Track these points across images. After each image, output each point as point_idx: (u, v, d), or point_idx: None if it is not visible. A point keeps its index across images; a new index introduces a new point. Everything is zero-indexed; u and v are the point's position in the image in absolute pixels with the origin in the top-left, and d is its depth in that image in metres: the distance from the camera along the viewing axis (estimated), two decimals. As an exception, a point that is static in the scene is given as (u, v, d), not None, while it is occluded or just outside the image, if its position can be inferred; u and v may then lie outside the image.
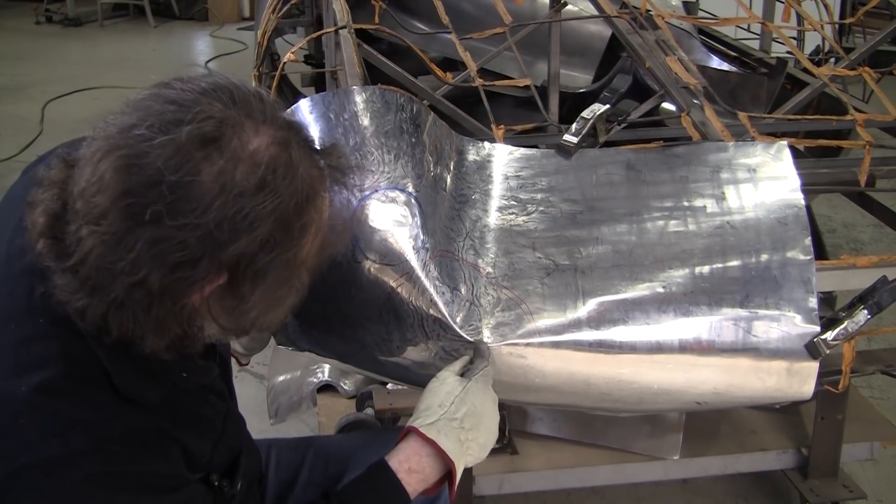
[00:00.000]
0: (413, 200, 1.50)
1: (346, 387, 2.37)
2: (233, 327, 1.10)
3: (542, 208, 1.64)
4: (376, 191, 1.50)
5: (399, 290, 1.46)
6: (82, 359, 1.08)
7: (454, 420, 1.33)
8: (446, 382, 1.39)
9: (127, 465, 1.07)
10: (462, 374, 1.41)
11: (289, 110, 1.61)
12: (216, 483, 1.23)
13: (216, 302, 1.06)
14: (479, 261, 1.54)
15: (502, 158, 1.71)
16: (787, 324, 1.53)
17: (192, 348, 1.11)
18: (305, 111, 1.60)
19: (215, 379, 1.28)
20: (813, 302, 1.54)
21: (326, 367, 2.40)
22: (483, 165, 1.70)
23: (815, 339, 1.52)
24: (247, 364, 1.71)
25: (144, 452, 1.09)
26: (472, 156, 1.70)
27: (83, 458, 1.04)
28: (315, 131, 1.57)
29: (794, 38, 2.99)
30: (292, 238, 1.05)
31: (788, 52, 2.85)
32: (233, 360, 1.68)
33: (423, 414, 1.35)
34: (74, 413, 1.06)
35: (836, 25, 3.69)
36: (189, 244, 0.99)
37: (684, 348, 1.52)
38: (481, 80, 2.12)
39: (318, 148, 1.14)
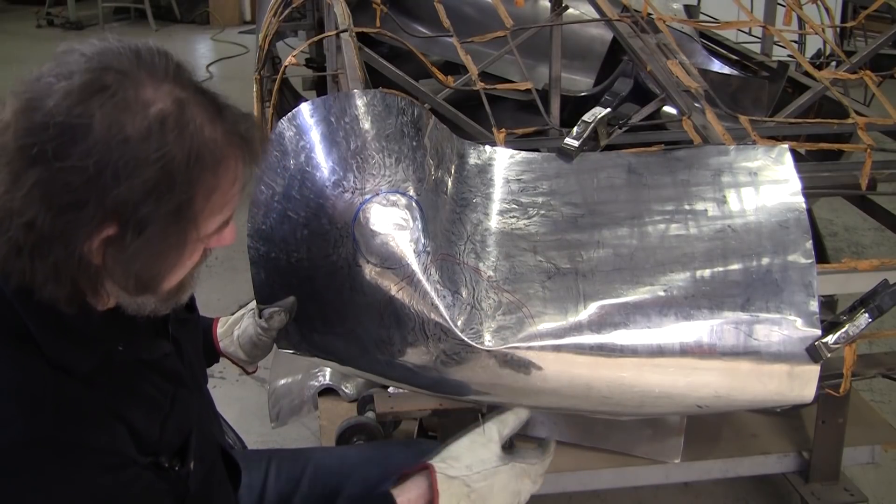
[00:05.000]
0: (414, 204, 1.50)
1: (347, 390, 2.37)
2: (123, 283, 1.10)
3: (543, 212, 1.64)
4: (377, 194, 1.50)
5: (400, 293, 1.46)
6: (10, 324, 1.09)
7: (468, 487, 1.34)
8: (489, 448, 1.40)
9: (59, 435, 1.06)
10: (508, 446, 1.42)
11: (290, 114, 1.61)
12: (166, 464, 1.21)
13: (108, 252, 1.07)
14: (480, 264, 1.54)
15: (503, 162, 1.72)
16: (788, 327, 1.53)
17: (94, 305, 1.13)
18: (307, 115, 1.60)
19: (166, 358, 1.26)
20: (814, 305, 1.54)
21: (328, 370, 2.40)
22: (484, 169, 1.70)
23: (816, 343, 1.52)
24: (254, 371, 1.70)
25: (79, 424, 1.08)
26: (473, 159, 1.70)
27: (10, 425, 1.04)
28: (316, 135, 1.58)
29: (795, 42, 2.98)
30: (176, 191, 1.05)
31: (790, 56, 2.85)
32: (237, 368, 1.69)
33: (451, 462, 1.36)
34: (2, 377, 1.06)
35: (838, 29, 3.69)
36: (74, 186, 1.01)
37: (685, 352, 1.52)
38: (482, 84, 2.12)
39: (225, 113, 1.13)
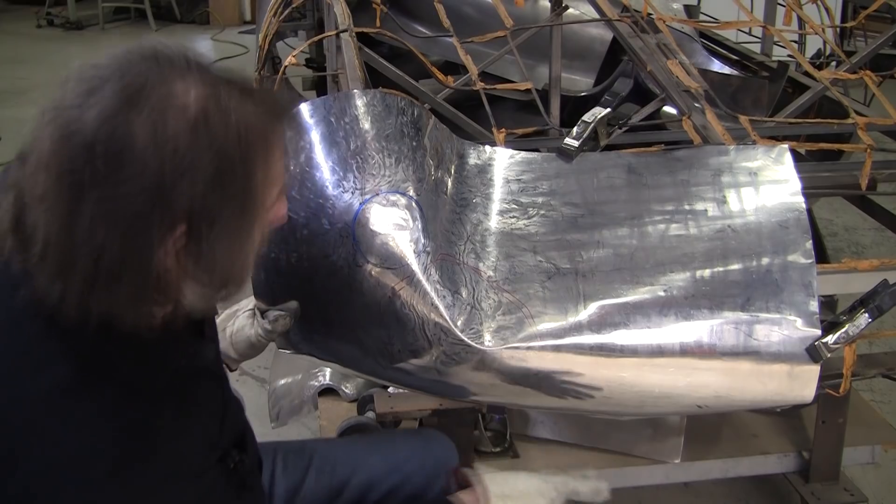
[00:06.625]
0: (414, 204, 1.51)
1: (347, 390, 2.37)
2: (206, 280, 1.09)
3: (543, 212, 1.64)
4: (377, 194, 1.50)
5: (400, 293, 1.46)
6: (85, 354, 1.08)
7: None
8: (544, 496, 1.44)
9: (147, 453, 1.08)
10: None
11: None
12: (233, 463, 1.23)
13: (183, 255, 1.05)
14: (480, 264, 1.54)
15: (503, 162, 1.72)
16: (788, 327, 1.53)
17: (176, 318, 1.11)
18: (306, 115, 1.60)
19: (211, 362, 1.27)
20: (814, 305, 1.54)
21: (328, 370, 2.40)
22: (484, 169, 1.70)
23: (816, 343, 1.52)
24: (235, 370, 1.70)
25: (162, 440, 1.10)
26: (473, 159, 1.71)
27: (106, 452, 1.06)
28: (316, 135, 1.58)
29: (795, 42, 2.98)
30: (236, 172, 1.05)
31: (790, 56, 2.85)
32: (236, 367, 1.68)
33: (507, 499, 1.41)
34: (90, 408, 1.07)
35: (838, 29, 3.69)
36: (135, 197, 0.99)
37: (685, 352, 1.52)
38: (482, 84, 2.12)
39: (255, 93, 1.12)
